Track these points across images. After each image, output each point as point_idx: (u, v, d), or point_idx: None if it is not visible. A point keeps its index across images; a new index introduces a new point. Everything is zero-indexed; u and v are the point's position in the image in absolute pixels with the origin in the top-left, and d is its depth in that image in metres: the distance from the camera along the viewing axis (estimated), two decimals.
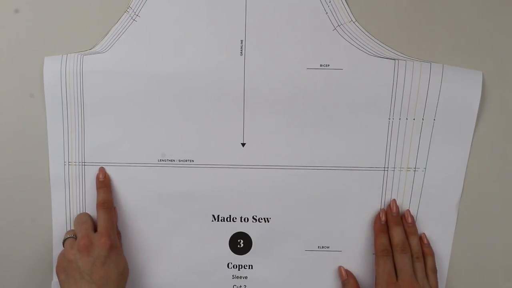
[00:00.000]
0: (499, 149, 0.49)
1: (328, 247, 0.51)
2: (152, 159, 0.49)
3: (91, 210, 0.50)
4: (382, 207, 0.50)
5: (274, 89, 0.47)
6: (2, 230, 0.51)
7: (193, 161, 0.49)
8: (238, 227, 0.51)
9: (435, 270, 0.48)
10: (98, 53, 0.47)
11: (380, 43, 0.47)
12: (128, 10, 0.46)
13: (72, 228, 0.50)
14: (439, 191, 0.49)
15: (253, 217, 0.51)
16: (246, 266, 0.52)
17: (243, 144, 0.49)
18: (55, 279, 0.51)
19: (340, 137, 0.48)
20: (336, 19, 0.46)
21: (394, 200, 0.49)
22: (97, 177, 0.49)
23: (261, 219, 0.51)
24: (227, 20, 0.46)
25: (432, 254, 0.49)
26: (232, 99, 0.47)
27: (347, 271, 0.51)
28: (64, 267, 0.45)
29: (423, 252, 0.49)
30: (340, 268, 0.51)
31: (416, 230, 0.49)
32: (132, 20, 0.46)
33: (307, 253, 0.51)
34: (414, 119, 0.47)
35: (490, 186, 0.49)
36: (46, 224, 0.50)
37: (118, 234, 0.50)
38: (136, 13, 0.46)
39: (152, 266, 0.51)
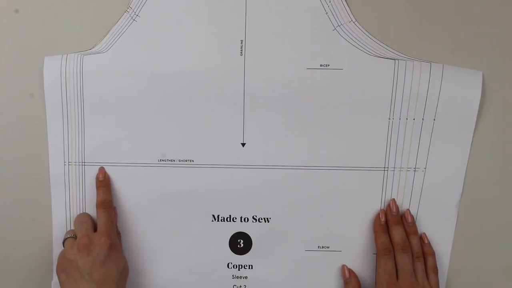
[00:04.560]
0: (499, 149, 0.49)
1: (328, 247, 0.51)
2: (152, 159, 0.49)
3: (91, 210, 0.50)
4: (382, 207, 0.50)
5: (274, 89, 0.47)
6: (2, 230, 0.51)
7: (193, 161, 0.49)
8: (238, 227, 0.51)
9: (435, 270, 0.48)
10: (98, 53, 0.47)
11: (380, 43, 0.47)
12: (128, 10, 0.46)
13: (72, 228, 0.50)
14: (439, 191, 0.49)
15: (253, 217, 0.51)
16: (246, 266, 0.52)
17: (243, 144, 0.49)
18: (55, 279, 0.51)
19: (340, 137, 0.48)
20: (336, 19, 0.46)
21: (394, 199, 0.49)
22: (97, 177, 0.49)
23: (261, 219, 0.51)
24: (227, 20, 0.46)
25: (433, 253, 0.49)
26: (232, 99, 0.47)
27: (350, 270, 0.51)
28: (65, 267, 0.45)
29: (424, 251, 0.49)
30: (343, 267, 0.51)
31: (416, 229, 0.49)
32: (132, 20, 0.46)
33: (307, 253, 0.51)
34: (414, 119, 0.48)
35: (490, 186, 0.49)
36: (46, 224, 0.50)
37: (118, 234, 0.50)
38: (136, 13, 0.46)
39: (152, 266, 0.51)
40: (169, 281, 0.52)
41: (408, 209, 0.49)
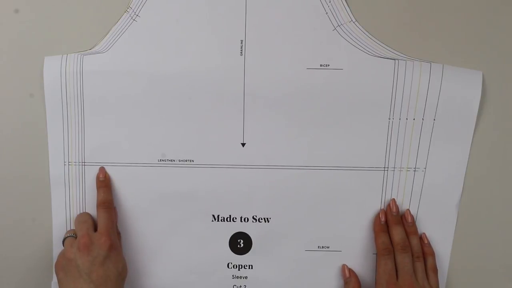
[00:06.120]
0: (499, 149, 0.49)
1: (328, 247, 0.51)
2: (152, 159, 0.49)
3: (91, 210, 0.50)
4: (382, 207, 0.50)
5: (274, 89, 0.47)
6: (2, 230, 0.51)
7: (193, 161, 0.49)
8: (238, 227, 0.51)
9: (435, 270, 0.48)
10: (98, 53, 0.47)
11: (380, 43, 0.47)
12: (128, 10, 0.46)
13: (72, 228, 0.50)
14: (439, 191, 0.49)
15: (253, 217, 0.51)
16: (246, 266, 0.52)
17: (243, 144, 0.49)
18: (55, 279, 0.51)
19: (340, 137, 0.48)
20: (336, 19, 0.46)
21: (394, 199, 0.49)
22: (97, 177, 0.49)
23: (261, 219, 0.51)
24: (227, 20, 0.46)
25: (433, 253, 0.49)
26: (232, 99, 0.47)
27: (350, 270, 0.51)
28: (63, 265, 0.45)
29: (424, 252, 0.49)
30: (343, 266, 0.51)
31: (416, 229, 0.49)
32: (132, 20, 0.46)
33: (307, 253, 0.51)
34: (414, 119, 0.48)
35: (490, 186, 0.49)
36: (46, 224, 0.50)
37: (118, 234, 0.50)
38: (136, 13, 0.46)
39: (152, 266, 0.51)
40: (169, 281, 0.52)
41: (408, 209, 0.49)
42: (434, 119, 0.47)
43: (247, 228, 0.51)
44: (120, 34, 0.47)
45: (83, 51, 0.47)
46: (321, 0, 0.46)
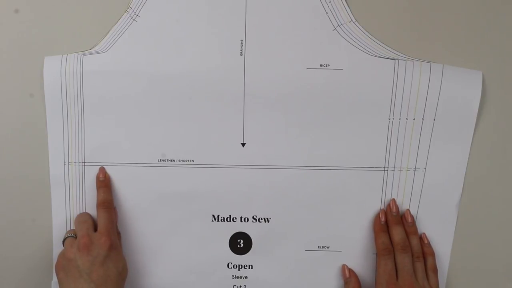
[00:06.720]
0: (499, 149, 0.49)
1: (328, 247, 0.51)
2: (152, 159, 0.49)
3: (91, 210, 0.50)
4: (382, 207, 0.50)
5: (274, 89, 0.47)
6: (2, 230, 0.51)
7: (193, 161, 0.49)
8: (238, 227, 0.51)
9: (435, 270, 0.48)
10: (98, 53, 0.47)
11: (380, 43, 0.47)
12: (128, 10, 0.46)
13: (72, 228, 0.50)
14: (439, 191, 0.49)
15: (253, 217, 0.51)
16: (246, 266, 0.52)
17: (243, 144, 0.49)
18: (55, 279, 0.51)
19: (340, 137, 0.48)
20: (336, 19, 0.46)
21: (394, 199, 0.49)
22: (97, 177, 0.49)
23: (261, 219, 0.51)
24: (227, 20, 0.46)
25: (433, 253, 0.49)
26: (232, 99, 0.47)
27: (350, 270, 0.51)
28: (63, 265, 0.45)
29: (424, 252, 0.49)
30: (343, 266, 0.51)
31: (416, 229, 0.49)
32: (132, 20, 0.46)
33: (307, 253, 0.51)
34: (414, 119, 0.48)
35: (490, 186, 0.49)
36: (46, 224, 0.50)
37: (118, 234, 0.50)
38: (136, 13, 0.46)
39: (152, 266, 0.51)
40: (169, 281, 0.52)
41: (408, 209, 0.49)
42: (434, 119, 0.47)
43: (247, 228, 0.51)
44: (120, 34, 0.47)
45: (83, 51, 0.47)
46: (321, 0, 0.46)
